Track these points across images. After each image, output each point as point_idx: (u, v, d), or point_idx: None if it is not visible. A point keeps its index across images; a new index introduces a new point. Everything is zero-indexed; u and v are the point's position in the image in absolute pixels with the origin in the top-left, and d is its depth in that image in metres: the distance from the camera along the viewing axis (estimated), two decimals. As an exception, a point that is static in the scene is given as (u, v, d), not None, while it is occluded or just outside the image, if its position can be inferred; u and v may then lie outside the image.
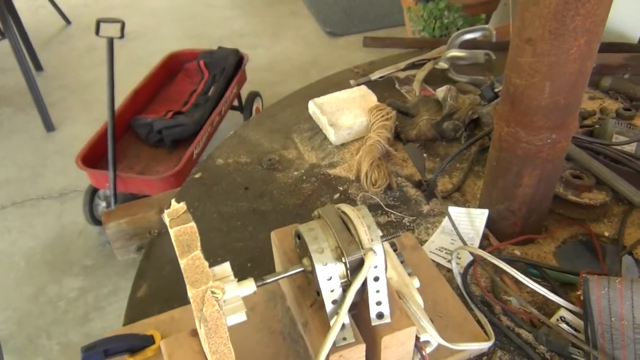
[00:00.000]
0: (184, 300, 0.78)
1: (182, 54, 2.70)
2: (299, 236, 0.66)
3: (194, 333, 0.64)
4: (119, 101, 2.28)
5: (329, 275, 0.61)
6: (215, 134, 2.38)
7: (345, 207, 0.66)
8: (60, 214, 2.36)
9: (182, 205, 0.59)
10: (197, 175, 1.05)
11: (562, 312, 0.76)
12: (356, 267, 0.61)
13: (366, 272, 0.61)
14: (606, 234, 0.90)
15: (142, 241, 0.95)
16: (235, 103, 2.64)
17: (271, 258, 0.81)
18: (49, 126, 2.81)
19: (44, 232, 2.28)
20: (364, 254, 0.61)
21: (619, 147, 0.95)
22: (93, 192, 2.18)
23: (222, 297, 0.52)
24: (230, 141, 1.14)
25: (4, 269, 2.14)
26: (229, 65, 2.53)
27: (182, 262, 0.52)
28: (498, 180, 0.84)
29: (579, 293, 0.71)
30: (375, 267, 0.62)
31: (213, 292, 0.51)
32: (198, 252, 0.53)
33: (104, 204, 2.23)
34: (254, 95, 2.68)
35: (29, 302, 2.01)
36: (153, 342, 0.72)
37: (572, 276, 0.80)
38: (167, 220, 0.59)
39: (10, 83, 3.14)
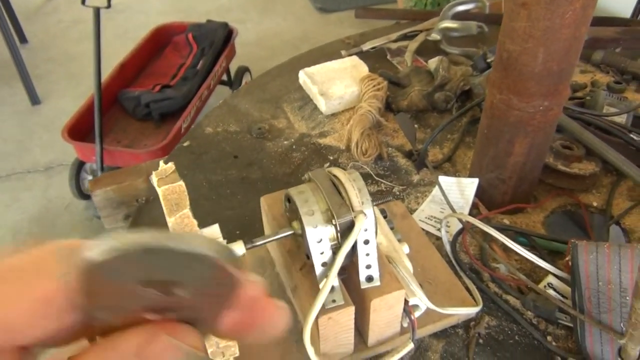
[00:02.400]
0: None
1: (171, 27, 2.66)
2: (289, 199, 0.66)
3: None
4: (106, 75, 2.25)
5: (319, 237, 0.61)
6: (204, 109, 2.35)
7: (336, 171, 0.65)
8: (46, 188, 2.34)
9: (171, 165, 0.58)
10: (185, 144, 1.04)
11: (550, 279, 0.77)
12: (346, 230, 0.61)
13: (356, 235, 0.60)
14: (595, 204, 0.90)
15: (129, 209, 0.94)
16: (224, 78, 2.61)
17: (260, 226, 0.80)
18: (35, 99, 2.77)
19: (31, 206, 2.26)
20: (355, 217, 0.61)
21: (609, 118, 0.95)
22: (79, 166, 2.16)
23: (211, 256, 0.51)
24: (219, 110, 1.12)
25: (-10, 242, 2.12)
26: (217, 39, 2.50)
27: (171, 221, 0.52)
28: (489, 149, 0.83)
29: (567, 259, 0.71)
30: (366, 230, 0.62)
31: (202, 250, 0.51)
32: (187, 211, 0.52)
33: (90, 177, 2.20)
34: (243, 70, 2.66)
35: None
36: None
37: (560, 244, 0.81)
38: (155, 180, 0.58)
39: (-6, 55, 3.08)
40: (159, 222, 0.89)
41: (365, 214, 0.61)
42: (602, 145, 0.86)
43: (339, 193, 0.63)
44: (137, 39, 2.58)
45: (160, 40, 2.63)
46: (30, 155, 2.50)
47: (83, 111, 2.13)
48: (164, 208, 0.54)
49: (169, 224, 0.52)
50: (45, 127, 2.63)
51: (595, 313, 0.67)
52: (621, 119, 0.96)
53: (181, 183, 0.55)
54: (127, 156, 2.02)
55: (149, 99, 2.21)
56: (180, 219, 0.52)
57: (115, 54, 2.52)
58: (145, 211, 0.90)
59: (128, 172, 0.96)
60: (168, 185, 0.54)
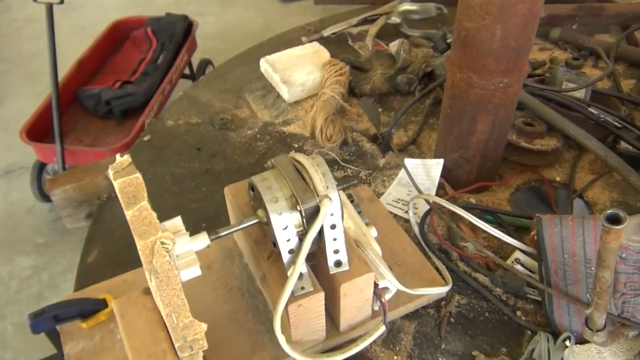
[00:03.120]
0: (137, 263, 0.76)
1: (128, 21, 2.59)
2: (252, 188, 0.64)
3: (147, 291, 0.62)
4: (64, 73, 2.18)
5: (285, 224, 0.60)
6: (167, 104, 2.31)
7: (299, 156, 0.64)
8: (7, 192, 2.27)
9: (127, 158, 0.56)
10: (145, 138, 1.01)
11: (517, 254, 0.77)
12: (312, 215, 0.60)
13: (322, 220, 0.60)
14: (558, 179, 0.91)
15: (91, 208, 0.91)
16: (187, 71, 2.56)
17: (227, 217, 0.79)
18: (-10, 101, 2.68)
19: (-9, 211, 2.19)
20: (320, 201, 0.60)
21: (568, 94, 0.96)
22: (41, 168, 2.10)
23: (172, 248, 0.50)
24: (179, 102, 1.10)
25: (-50, 251, 2.04)
26: (178, 32, 2.45)
27: (129, 214, 0.50)
28: (452, 129, 0.83)
29: (532, 234, 0.72)
30: (332, 214, 0.61)
31: (163, 243, 0.49)
32: (145, 203, 0.51)
33: (53, 179, 2.14)
34: (205, 63, 2.61)
35: (-22, 283, 1.94)
36: (106, 306, 0.70)
37: (526, 220, 0.82)
38: (111, 174, 0.56)
39: (-55, 57, 2.97)
40: (121, 219, 0.86)
41: (330, 198, 0.60)
42: (562, 120, 0.87)
43: (303, 178, 0.62)
44: (95, 35, 2.51)
45: (118, 36, 2.56)
46: (-11, 159, 2.42)
47: (41, 111, 2.06)
48: (121, 202, 0.52)
49: (127, 217, 0.50)
50: (3, 129, 2.54)
51: (562, 285, 0.67)
52: (580, 94, 0.98)
53: (138, 175, 0.54)
54: (89, 155, 1.97)
55: (109, 96, 2.15)
56: (138, 211, 0.50)
57: (73, 51, 2.44)
58: (107, 208, 0.88)
59: (87, 169, 0.93)
60: (124, 178, 0.53)
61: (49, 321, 0.65)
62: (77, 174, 0.91)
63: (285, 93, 1.07)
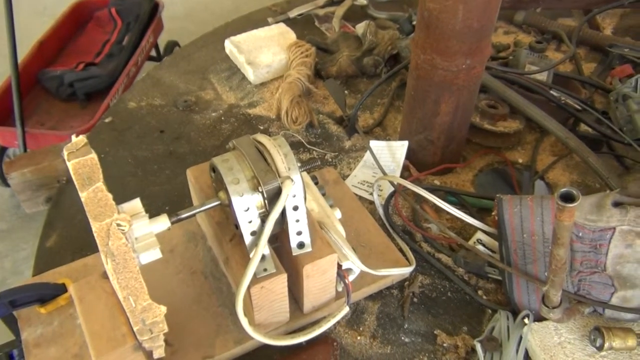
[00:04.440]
0: (97, 248, 0.74)
1: (91, 1, 2.51)
2: (214, 169, 0.63)
3: (106, 275, 0.61)
4: (25, 54, 2.11)
5: (246, 206, 0.59)
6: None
7: (261, 137, 0.63)
8: (-34, 177, 2.20)
9: (82, 138, 0.55)
10: (107, 120, 0.99)
11: (479, 235, 0.79)
12: (274, 197, 0.60)
13: (284, 201, 0.59)
14: (520, 160, 0.93)
15: (50, 192, 0.89)
16: (153, 53, 2.51)
17: (190, 200, 0.78)
18: (-54, 84, 2.58)
19: (-50, 197, 2.12)
20: (281, 182, 0.59)
21: (531, 76, 0.98)
22: (1, 152, 2.04)
23: (129, 230, 0.49)
24: (142, 84, 1.07)
25: None
26: (143, 13, 2.39)
27: (83, 196, 0.49)
28: (416, 110, 0.84)
29: (494, 214, 0.73)
30: (294, 196, 0.61)
31: (119, 225, 0.48)
32: (100, 184, 0.49)
33: (14, 163, 2.09)
34: (172, 45, 2.56)
35: (-63, 271, 1.88)
36: (65, 291, 0.68)
37: (488, 201, 0.83)
38: (65, 154, 0.54)
39: None
40: (81, 204, 0.85)
41: (292, 180, 0.60)
42: (524, 102, 0.88)
43: (265, 160, 0.61)
44: (57, 16, 2.43)
45: (81, 16, 2.49)
46: (-54, 143, 2.33)
47: (1, 94, 1.99)
48: (75, 183, 0.51)
49: (82, 199, 0.49)
50: (-40, 113, 2.46)
51: (521, 264, 0.69)
52: (542, 77, 0.99)
53: (93, 155, 0.52)
54: (52, 139, 1.91)
55: (72, 78, 2.09)
56: (93, 193, 0.49)
57: (35, 32, 2.36)
58: (66, 191, 0.85)
59: (46, 152, 0.90)
60: (79, 159, 0.51)
61: (5, 307, 0.64)
62: (36, 157, 0.88)
63: (251, 74, 1.05)
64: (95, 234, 0.48)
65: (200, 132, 0.97)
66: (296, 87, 0.99)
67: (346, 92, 1.05)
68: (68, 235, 0.80)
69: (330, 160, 0.92)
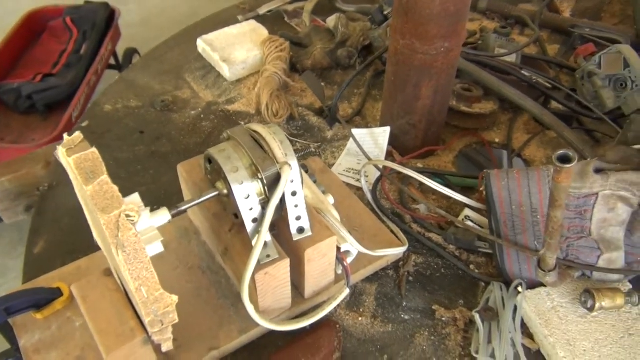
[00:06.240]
0: (89, 250, 0.73)
1: (44, 11, 2.45)
2: (209, 160, 0.64)
3: (107, 272, 0.60)
4: (-23, 67, 2.05)
5: (247, 193, 0.59)
6: (93, 96, 2.22)
7: (256, 126, 0.64)
8: None
9: (78, 134, 0.54)
10: (84, 124, 0.97)
11: (466, 212, 0.81)
12: (273, 183, 0.60)
13: (284, 186, 0.60)
14: (497, 140, 0.96)
15: (30, 200, 0.87)
16: (112, 62, 2.46)
17: (179, 197, 0.77)
18: None
19: None
20: (280, 168, 0.60)
21: (502, 59, 1.01)
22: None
23: (137, 220, 0.49)
24: (116, 86, 1.06)
25: None
26: (99, 21, 2.35)
27: (89, 189, 0.48)
28: (397, 95, 0.85)
29: (481, 189, 0.75)
30: (292, 181, 0.61)
31: (128, 216, 0.48)
32: (105, 177, 0.49)
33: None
34: (131, 52, 2.52)
35: None
36: (61, 294, 0.67)
37: (472, 180, 0.85)
38: (62, 152, 0.53)
39: None
40: (66, 207, 0.83)
41: (290, 165, 0.60)
42: (499, 83, 0.91)
43: (261, 147, 0.62)
44: (8, 28, 2.36)
45: (34, 27, 2.42)
46: None
47: (-45, 109, 1.93)
48: (78, 179, 0.50)
49: (87, 194, 0.48)
50: None
51: (511, 236, 0.71)
52: (511, 59, 1.02)
53: (94, 150, 0.52)
54: (14, 152, 1.85)
55: (30, 90, 2.03)
56: (99, 186, 0.48)
57: (-17, 45, 2.29)
58: (49, 197, 0.84)
59: (24, 160, 0.88)
60: (80, 153, 0.51)
61: (0, 314, 0.62)
62: (13, 166, 0.86)
63: (227, 72, 1.05)
64: (104, 227, 0.47)
65: (181, 131, 0.96)
66: (274, 81, 1.00)
67: (323, 84, 1.06)
68: (55, 241, 0.78)
69: (314, 151, 0.93)
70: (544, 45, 1.14)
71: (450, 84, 0.85)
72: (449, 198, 0.84)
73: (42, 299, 0.66)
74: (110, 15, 2.42)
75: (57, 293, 0.67)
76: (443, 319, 0.70)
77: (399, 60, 0.81)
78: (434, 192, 0.85)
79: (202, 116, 0.99)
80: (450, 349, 0.67)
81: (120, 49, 2.49)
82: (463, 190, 0.85)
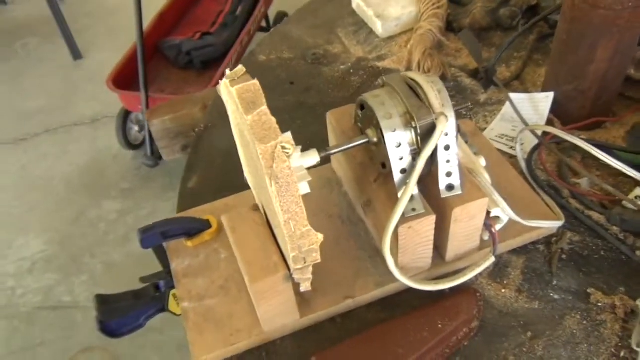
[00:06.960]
0: (237, 189, 0.76)
1: (206, -26, 2.60)
2: (362, 107, 0.62)
3: (255, 207, 0.62)
4: (146, 25, 2.22)
5: (398, 141, 0.57)
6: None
7: (413, 74, 0.61)
8: (93, 139, 2.37)
9: (241, 68, 0.55)
10: (239, 72, 1.01)
11: (637, 191, 0.72)
12: (427, 133, 0.57)
13: (438, 137, 0.57)
14: (681, 117, 0.84)
15: (186, 140, 0.93)
16: (264, 24, 2.56)
17: (325, 147, 0.77)
18: (76, 54, 2.78)
19: (80, 157, 2.29)
20: (436, 119, 0.57)
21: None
22: (125, 116, 2.17)
23: (292, 153, 0.49)
24: (270, 38, 1.08)
25: (44, 193, 2.17)
26: (255, -17, 2.44)
27: (249, 119, 0.49)
28: (567, 57, 0.77)
29: (661, 166, 0.66)
30: (446, 134, 0.58)
31: (284, 148, 0.48)
32: (264, 108, 0.50)
33: (136, 127, 2.22)
34: (282, 16, 2.59)
35: (70, 224, 2.05)
36: (210, 226, 0.70)
37: (646, 158, 0.75)
38: (224, 85, 0.55)
39: (35, 12, 3.09)
40: (219, 148, 0.87)
41: (446, 116, 0.57)
42: (692, 50, 0.79)
43: (417, 96, 0.59)
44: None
45: (198, -12, 2.59)
46: (76, 108, 2.52)
47: (126, 61, 2.12)
48: (240, 108, 0.51)
49: (247, 123, 0.49)
50: (88, 81, 2.65)
51: (694, 221, 0.62)
52: None
53: (255, 82, 0.53)
54: (172, 103, 2.01)
55: (190, 47, 2.18)
56: (258, 116, 0.49)
57: (153, 4, 2.49)
58: (205, 137, 0.88)
59: (184, 101, 0.94)
60: (242, 84, 0.52)
61: (157, 237, 0.66)
62: (175, 106, 0.92)
63: (379, 28, 1.03)
64: (260, 156, 0.48)
65: (330, 84, 0.96)
66: (428, 39, 0.96)
67: (480, 45, 1.00)
68: (208, 178, 0.82)
69: (464, 113, 0.88)
70: None
71: (634, 47, 0.75)
72: (615, 176, 0.75)
73: (194, 228, 0.70)
74: (266, -21, 2.50)
75: (206, 225, 0.70)
76: (599, 304, 0.63)
77: (575, 17, 0.73)
78: (598, 167, 0.77)
79: (351, 71, 0.98)
80: (604, 337, 0.61)
81: (272, 13, 2.58)
82: (635, 168, 0.76)
